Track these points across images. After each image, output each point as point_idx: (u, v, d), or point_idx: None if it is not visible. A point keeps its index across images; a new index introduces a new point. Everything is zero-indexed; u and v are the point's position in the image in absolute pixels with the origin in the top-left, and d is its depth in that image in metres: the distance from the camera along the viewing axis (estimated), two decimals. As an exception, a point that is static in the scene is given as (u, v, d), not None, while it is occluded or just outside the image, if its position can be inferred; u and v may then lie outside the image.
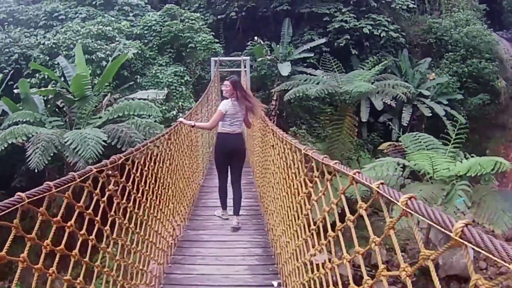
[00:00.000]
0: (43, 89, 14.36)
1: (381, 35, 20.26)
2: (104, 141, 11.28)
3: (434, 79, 21.12)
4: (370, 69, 18.15)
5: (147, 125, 12.58)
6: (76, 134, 11.50)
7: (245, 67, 17.22)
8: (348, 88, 15.87)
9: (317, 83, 17.01)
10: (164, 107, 15.51)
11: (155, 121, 13.59)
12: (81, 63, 14.55)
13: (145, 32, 18.61)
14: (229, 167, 7.08)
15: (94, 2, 20.45)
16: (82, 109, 13.89)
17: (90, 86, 14.11)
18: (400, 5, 21.65)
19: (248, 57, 18.27)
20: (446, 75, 21.37)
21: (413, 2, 22.48)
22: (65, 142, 11.33)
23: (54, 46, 16.65)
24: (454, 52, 22.28)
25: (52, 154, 11.30)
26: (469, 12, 24.22)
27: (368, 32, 20.01)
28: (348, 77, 17.58)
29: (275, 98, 18.65)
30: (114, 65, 14.28)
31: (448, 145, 14.70)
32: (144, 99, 14.86)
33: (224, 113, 6.73)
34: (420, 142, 14.31)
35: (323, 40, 19.85)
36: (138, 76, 17.27)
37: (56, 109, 14.80)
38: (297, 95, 16.53)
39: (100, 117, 13.61)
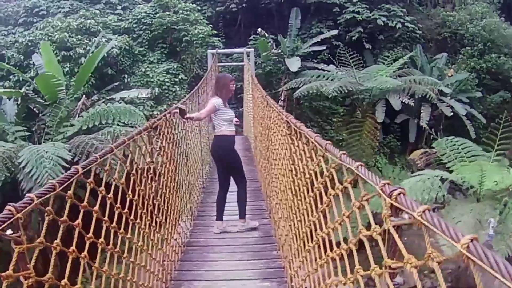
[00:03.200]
0: (4, 90, 11.08)
1: (397, 27, 17.03)
2: (67, 160, 7.96)
3: (452, 75, 17.91)
4: (389, 65, 14.81)
5: (127, 135, 9.10)
6: (32, 152, 8.17)
7: (249, 60, 13.85)
8: (371, 85, 12.51)
9: (332, 80, 13.68)
10: (154, 111, 12.21)
11: (141, 128, 10.18)
12: (51, 62, 11.46)
13: (134, 26, 15.33)
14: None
15: (78, -5, 17.12)
16: (52, 116, 10.58)
17: (64, 88, 10.88)
18: (416, -6, 18.34)
19: (252, 49, 14.88)
20: (464, 71, 18.28)
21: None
22: (20, 163, 8.02)
23: (30, 43, 13.58)
24: (471, 47, 19.13)
25: (3, 179, 8.06)
26: (484, 5, 20.89)
27: (382, 24, 16.82)
28: (366, 73, 14.27)
29: (282, 98, 15.32)
30: (90, 61, 11.05)
31: (491, 151, 11.46)
32: (130, 100, 11.68)
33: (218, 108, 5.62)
34: (458, 148, 11.14)
35: (334, 32, 16.55)
36: (126, 75, 14.02)
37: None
38: (310, 92, 13.25)
39: (72, 125, 10.27)
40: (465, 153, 10.59)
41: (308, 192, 3.24)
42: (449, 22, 20.02)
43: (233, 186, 5.96)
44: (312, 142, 3.02)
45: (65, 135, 9.96)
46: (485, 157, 11.12)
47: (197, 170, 7.36)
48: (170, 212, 4.76)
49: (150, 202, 3.88)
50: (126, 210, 3.21)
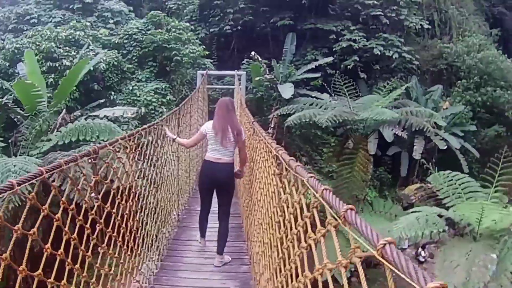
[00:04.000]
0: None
1: (393, 57, 16.60)
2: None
3: (447, 108, 17.53)
4: (385, 95, 14.36)
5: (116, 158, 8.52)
6: (0, 165, 7.64)
7: (240, 84, 13.30)
8: (367, 115, 12.02)
9: (325, 108, 13.19)
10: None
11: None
12: (34, 72, 10.91)
13: (125, 41, 14.85)
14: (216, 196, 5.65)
15: (71, 6, 16.71)
16: (30, 128, 10.03)
17: (44, 100, 10.35)
18: (414, 25, 17.96)
19: (244, 72, 14.37)
20: (459, 104, 17.90)
21: (427, 22, 18.87)
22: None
23: (17, 51, 13.03)
24: (467, 80, 18.76)
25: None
26: (482, 37, 20.62)
27: (379, 53, 16.37)
28: (360, 102, 13.78)
29: (272, 125, 14.75)
30: (73, 73, 10.53)
31: (489, 187, 11.02)
32: (115, 118, 11.16)
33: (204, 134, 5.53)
34: (455, 183, 10.67)
35: (330, 59, 16.10)
36: (113, 92, 13.50)
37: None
38: (303, 120, 12.71)
39: (49, 140, 9.69)
40: (462, 189, 10.09)
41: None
42: (445, 54, 19.68)
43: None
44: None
45: (41, 150, 9.42)
46: (483, 194, 10.64)
47: (171, 202, 6.66)
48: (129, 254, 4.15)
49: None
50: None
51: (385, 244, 1.25)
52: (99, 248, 3.27)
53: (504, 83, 18.78)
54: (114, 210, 3.66)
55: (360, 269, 1.47)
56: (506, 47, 23.17)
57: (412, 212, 9.33)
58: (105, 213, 3.42)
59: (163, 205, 5.92)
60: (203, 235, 5.84)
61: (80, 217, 2.82)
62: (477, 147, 17.52)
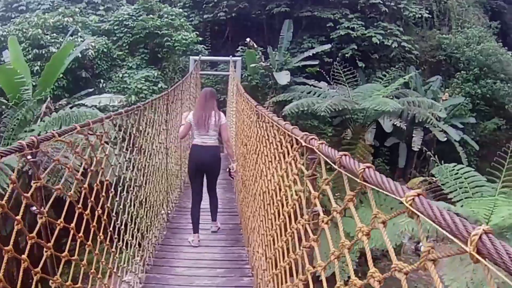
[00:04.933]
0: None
1: (393, 46, 16.10)
2: (14, 168, 6.77)
3: (447, 99, 17.09)
4: (386, 85, 13.83)
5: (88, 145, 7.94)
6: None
7: (235, 70, 12.66)
8: (368, 105, 11.46)
9: (324, 97, 12.64)
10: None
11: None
12: (18, 59, 10.38)
13: (115, 28, 14.24)
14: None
15: (60, -7, 16.04)
16: (13, 118, 9.45)
17: (29, 88, 9.79)
18: (414, 14, 17.44)
19: (240, 58, 13.78)
20: (458, 95, 17.52)
21: (427, 12, 18.37)
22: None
23: (3, 39, 12.42)
24: (467, 71, 18.35)
25: None
26: (481, 29, 20.16)
27: (378, 42, 15.84)
28: (360, 91, 13.22)
29: (268, 114, 14.11)
30: (58, 59, 9.95)
31: (496, 182, 10.40)
32: (103, 107, 10.60)
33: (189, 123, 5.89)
34: (461, 177, 10.04)
35: (327, 46, 15.57)
36: (102, 80, 12.92)
37: None
38: (301, 109, 12.16)
39: (31, 130, 9.10)
40: (469, 183, 9.46)
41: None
42: (444, 45, 19.29)
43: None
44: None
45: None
46: (489, 188, 10.04)
47: (158, 201, 5.93)
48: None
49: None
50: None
51: (414, 196, 1.16)
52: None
53: (504, 75, 18.48)
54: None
55: (366, 247, 1.44)
56: (505, 40, 22.72)
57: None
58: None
59: (148, 206, 5.20)
60: (196, 230, 5.84)
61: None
62: (476, 139, 17.25)
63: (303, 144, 2.34)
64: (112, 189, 3.76)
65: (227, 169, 6.04)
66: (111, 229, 3.62)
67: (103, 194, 3.43)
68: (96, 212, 3.19)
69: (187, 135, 6.32)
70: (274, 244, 3.22)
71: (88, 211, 2.97)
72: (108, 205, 3.54)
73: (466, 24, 20.97)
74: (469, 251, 0.92)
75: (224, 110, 14.01)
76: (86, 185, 2.99)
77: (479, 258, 0.90)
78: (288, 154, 2.88)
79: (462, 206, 8.57)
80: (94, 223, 3.16)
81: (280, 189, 3.16)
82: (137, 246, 4.53)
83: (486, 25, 22.26)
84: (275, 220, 3.25)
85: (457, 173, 9.76)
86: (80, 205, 2.83)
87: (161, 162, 6.31)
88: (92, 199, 3.07)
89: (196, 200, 5.88)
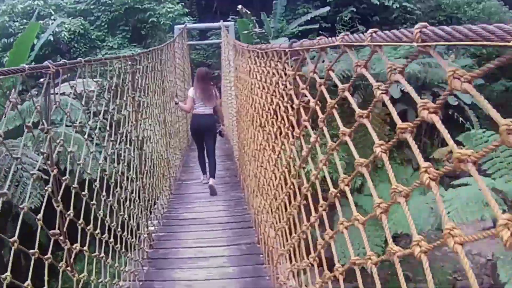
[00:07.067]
0: None
1: (394, 6, 14.89)
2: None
3: (453, 61, 16.02)
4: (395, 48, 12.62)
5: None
6: None
7: (228, 37, 10.99)
8: (382, 69, 10.14)
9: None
10: (110, 107, 9.68)
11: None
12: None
13: (92, 7, 12.78)
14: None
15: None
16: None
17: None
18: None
19: (232, 23, 12.33)
20: (463, 57, 16.59)
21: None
22: None
23: (-32, 30, 10.96)
24: (471, 31, 17.15)
25: None
26: (481, -14, 18.99)
27: (377, 3, 14.62)
28: (367, 55, 11.85)
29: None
30: (22, 43, 8.50)
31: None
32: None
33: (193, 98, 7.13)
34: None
35: (326, 9, 14.24)
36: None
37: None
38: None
39: (-3, 126, 7.66)
40: (501, 152, 8.04)
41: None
42: (444, 5, 18.22)
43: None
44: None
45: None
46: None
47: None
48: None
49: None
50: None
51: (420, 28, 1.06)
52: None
53: (508, 35, 17.40)
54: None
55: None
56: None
57: (460, 184, 7.24)
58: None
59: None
60: (204, 171, 7.48)
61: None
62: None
63: (287, 50, 2.45)
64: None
65: (218, 131, 7.68)
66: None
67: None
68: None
69: (192, 107, 7.19)
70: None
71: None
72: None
73: (465, -18, 19.78)
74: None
75: (219, 87, 12.71)
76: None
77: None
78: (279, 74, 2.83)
79: (507, 182, 7.17)
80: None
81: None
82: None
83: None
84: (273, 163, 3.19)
85: (487, 141, 8.29)
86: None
87: (156, 137, 6.04)
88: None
89: (200, 151, 7.41)
